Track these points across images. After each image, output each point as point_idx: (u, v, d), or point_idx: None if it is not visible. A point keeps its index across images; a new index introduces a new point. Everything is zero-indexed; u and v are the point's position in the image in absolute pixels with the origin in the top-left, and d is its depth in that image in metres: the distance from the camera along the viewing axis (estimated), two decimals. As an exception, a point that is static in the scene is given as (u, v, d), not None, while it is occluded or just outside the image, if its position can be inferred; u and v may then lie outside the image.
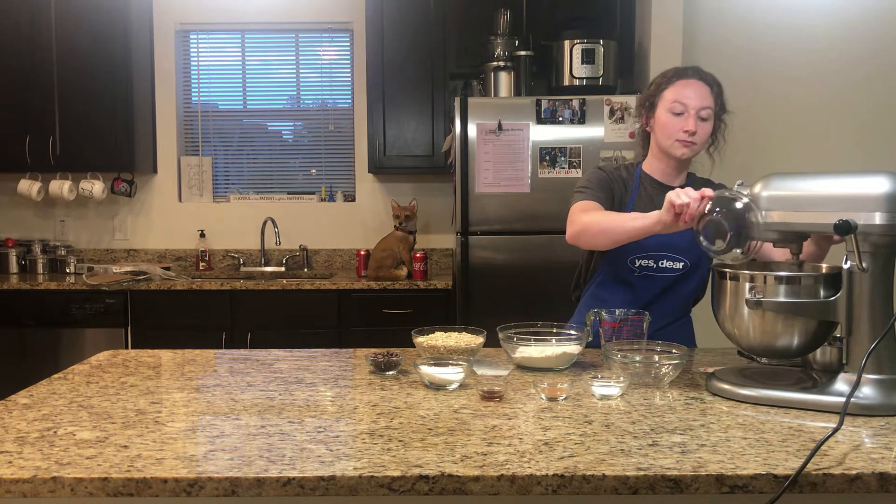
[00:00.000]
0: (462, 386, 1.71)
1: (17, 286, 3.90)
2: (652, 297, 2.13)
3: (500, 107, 3.58)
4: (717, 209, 1.65)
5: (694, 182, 2.20)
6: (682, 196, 1.71)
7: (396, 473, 1.19)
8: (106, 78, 4.12)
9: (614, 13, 3.96)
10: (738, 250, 1.64)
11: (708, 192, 1.70)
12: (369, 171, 4.21)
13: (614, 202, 2.13)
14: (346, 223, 4.49)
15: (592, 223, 1.97)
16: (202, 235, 4.44)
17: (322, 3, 4.43)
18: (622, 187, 2.16)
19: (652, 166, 2.18)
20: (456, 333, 1.94)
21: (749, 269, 1.67)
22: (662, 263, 2.11)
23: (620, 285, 2.15)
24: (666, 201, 1.74)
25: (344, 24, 4.45)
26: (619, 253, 2.11)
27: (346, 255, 4.49)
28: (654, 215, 1.81)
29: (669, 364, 1.72)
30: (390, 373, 1.85)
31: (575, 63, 3.71)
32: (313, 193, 4.56)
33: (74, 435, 1.39)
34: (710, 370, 1.77)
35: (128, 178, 4.38)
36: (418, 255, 3.95)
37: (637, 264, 2.12)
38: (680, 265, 2.12)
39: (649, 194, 2.15)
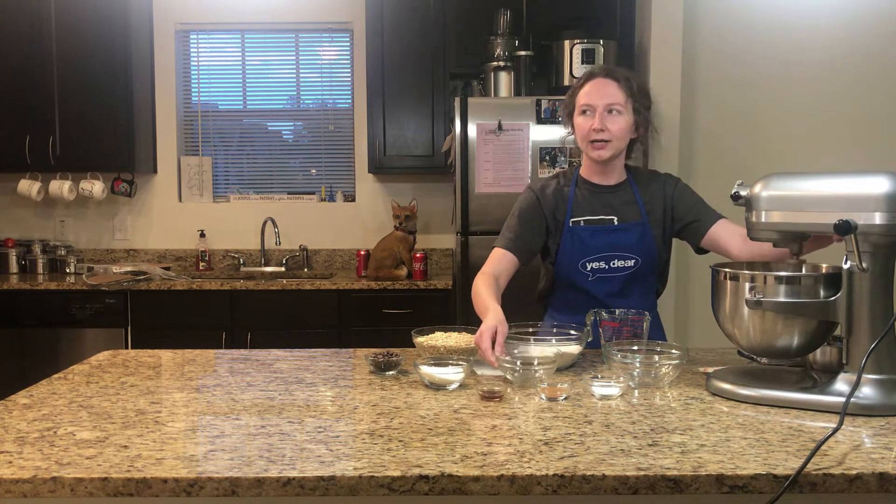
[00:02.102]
0: (462, 386, 1.71)
1: (17, 286, 3.90)
2: (611, 297, 2.12)
3: (500, 107, 3.57)
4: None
5: (637, 176, 2.20)
6: (483, 344, 1.77)
7: (396, 473, 1.19)
8: (106, 78, 4.12)
9: (614, 13, 3.96)
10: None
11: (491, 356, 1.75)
12: (369, 171, 4.21)
13: (546, 223, 2.16)
14: (346, 223, 4.49)
15: (473, 291, 2.07)
16: (202, 235, 4.44)
17: (322, 3, 4.43)
18: (555, 199, 2.17)
19: (587, 169, 2.20)
20: (456, 333, 1.95)
21: (749, 269, 1.67)
22: (614, 263, 2.12)
23: (577, 291, 2.16)
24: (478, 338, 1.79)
25: (344, 24, 4.45)
26: (568, 260, 2.13)
27: (346, 255, 4.49)
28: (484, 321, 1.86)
29: (669, 364, 1.72)
30: (390, 373, 1.85)
31: (575, 63, 3.71)
32: (313, 193, 4.56)
33: (74, 435, 1.39)
34: (710, 370, 1.77)
35: (128, 178, 4.38)
36: (418, 255, 3.95)
37: (589, 268, 2.13)
38: (631, 262, 2.13)
39: (585, 197, 2.17)
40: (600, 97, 2.06)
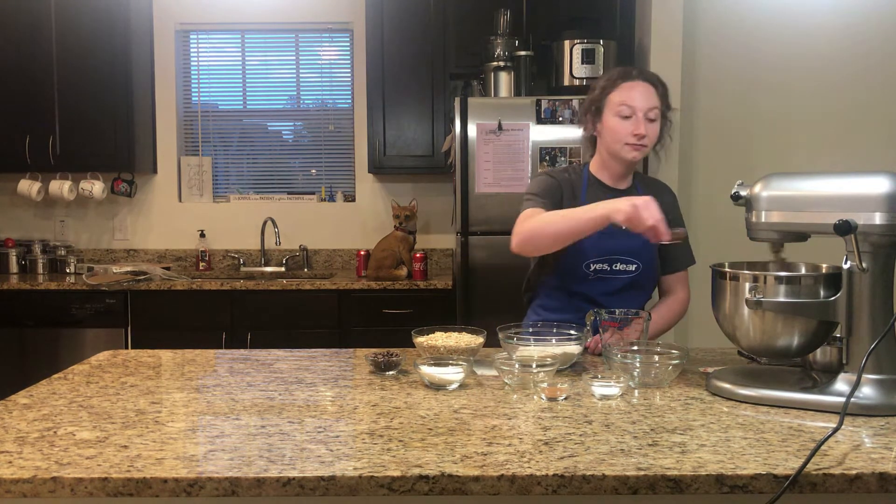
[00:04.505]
0: (462, 386, 1.71)
1: (17, 286, 3.90)
2: (605, 296, 2.11)
3: (500, 107, 3.57)
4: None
5: (641, 182, 2.21)
6: (646, 215, 1.75)
7: (396, 473, 1.19)
8: (106, 78, 4.13)
9: (614, 13, 3.96)
10: None
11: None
12: (369, 171, 4.22)
13: (559, 206, 2.11)
14: (346, 223, 4.49)
15: (537, 228, 1.95)
16: (202, 235, 4.44)
17: (322, 3, 4.43)
18: (570, 191, 2.14)
19: (600, 169, 2.17)
20: (456, 333, 1.94)
21: (749, 269, 1.67)
22: (616, 266, 2.12)
23: (572, 290, 2.15)
24: (624, 212, 1.77)
25: (344, 24, 4.45)
26: (572, 259, 2.10)
27: (346, 255, 4.49)
28: (602, 212, 1.83)
29: (669, 364, 1.72)
30: (390, 373, 1.85)
31: (575, 63, 3.72)
32: (313, 193, 4.56)
33: (74, 435, 1.39)
34: (710, 370, 1.77)
35: (128, 178, 4.38)
36: (418, 255, 3.95)
37: (592, 269, 2.11)
38: (633, 267, 2.12)
39: (598, 197, 2.10)
40: (643, 101, 2.03)
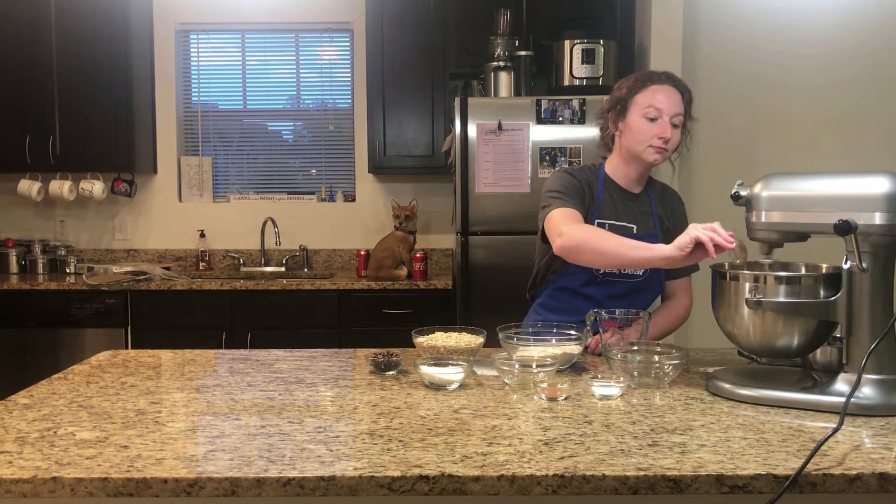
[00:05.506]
0: (462, 386, 1.71)
1: (17, 286, 3.90)
2: (611, 300, 2.11)
3: (500, 107, 3.57)
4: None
5: (653, 187, 2.21)
6: (718, 231, 1.67)
7: (396, 473, 1.19)
8: (106, 78, 4.13)
9: (614, 13, 3.96)
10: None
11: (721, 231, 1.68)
12: (369, 171, 4.22)
13: (584, 209, 2.09)
14: (346, 223, 4.49)
15: (589, 241, 1.89)
16: (202, 235, 4.44)
17: (322, 3, 4.43)
18: (589, 192, 2.13)
19: (616, 170, 2.16)
20: (456, 333, 1.94)
21: (749, 270, 1.67)
22: (625, 270, 2.11)
23: (578, 291, 2.14)
24: (685, 239, 1.69)
25: (344, 24, 4.46)
26: None
27: (346, 255, 4.49)
28: (660, 251, 1.75)
29: (669, 364, 1.72)
30: (390, 373, 1.85)
31: (575, 63, 3.72)
32: (313, 193, 4.56)
33: (74, 435, 1.39)
34: (710, 370, 1.77)
35: (128, 178, 4.38)
36: (418, 255, 3.95)
37: (601, 271, 2.11)
38: (641, 272, 2.12)
39: (614, 202, 2.13)
40: (670, 106, 2.03)
